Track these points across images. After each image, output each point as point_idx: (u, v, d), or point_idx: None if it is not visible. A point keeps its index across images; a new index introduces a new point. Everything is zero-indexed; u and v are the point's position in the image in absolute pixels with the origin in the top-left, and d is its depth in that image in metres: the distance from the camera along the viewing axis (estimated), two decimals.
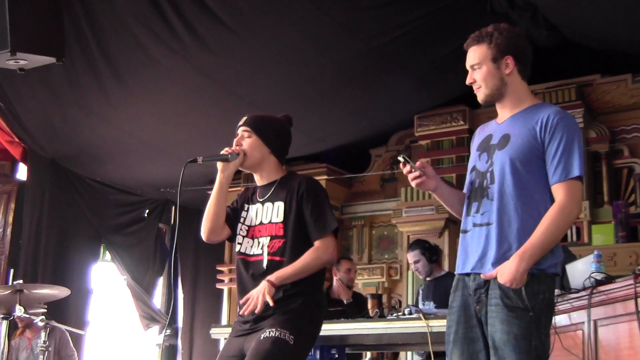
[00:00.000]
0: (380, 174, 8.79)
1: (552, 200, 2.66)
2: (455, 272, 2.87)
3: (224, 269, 8.77)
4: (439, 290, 5.71)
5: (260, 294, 2.99)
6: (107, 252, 8.65)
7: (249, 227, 3.21)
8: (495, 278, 2.64)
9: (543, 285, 2.63)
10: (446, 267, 6.75)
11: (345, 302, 6.43)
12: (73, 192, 8.08)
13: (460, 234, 2.84)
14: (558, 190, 2.64)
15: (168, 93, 6.77)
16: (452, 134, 7.98)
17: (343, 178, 8.84)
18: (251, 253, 3.16)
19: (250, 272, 3.14)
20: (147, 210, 9.04)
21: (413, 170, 2.80)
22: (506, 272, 2.60)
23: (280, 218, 3.12)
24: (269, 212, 3.16)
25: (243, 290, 3.16)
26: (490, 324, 2.64)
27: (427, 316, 4.67)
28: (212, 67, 6.45)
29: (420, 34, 6.40)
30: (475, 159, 2.86)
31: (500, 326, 2.60)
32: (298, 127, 8.18)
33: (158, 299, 9.19)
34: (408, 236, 7.83)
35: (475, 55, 2.81)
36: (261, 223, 3.17)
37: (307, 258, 3.06)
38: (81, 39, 5.85)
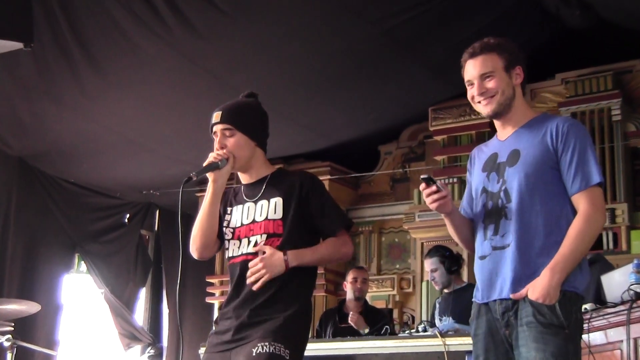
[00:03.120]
0: (390, 174, 8.79)
1: (574, 211, 2.82)
2: (476, 301, 2.97)
3: (215, 280, 8.77)
4: (458, 304, 5.71)
5: (269, 269, 3.03)
6: (82, 262, 8.65)
7: (234, 228, 3.23)
8: (526, 297, 2.75)
9: (575, 305, 2.77)
10: (466, 278, 6.74)
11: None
12: (43, 195, 8.07)
13: (478, 261, 2.96)
14: (580, 200, 2.80)
15: (151, 83, 6.77)
16: (471, 128, 7.97)
17: (349, 178, 8.83)
18: (239, 253, 3.18)
19: (239, 273, 3.15)
20: (127, 215, 9.03)
21: (438, 190, 2.92)
22: (538, 288, 2.72)
23: (279, 214, 3.14)
24: (264, 209, 3.18)
25: (228, 298, 3.17)
26: (521, 344, 2.73)
27: (444, 334, 4.67)
28: (200, 54, 6.45)
29: (435, 15, 6.40)
30: (482, 181, 3.00)
31: (535, 344, 2.69)
32: (298, 121, 8.26)
33: (140, 315, 9.19)
34: (422, 243, 7.83)
35: (486, 63, 2.97)
36: (254, 221, 3.18)
37: (327, 245, 3.15)
38: (52, 21, 5.85)
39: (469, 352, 4.75)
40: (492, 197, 2.93)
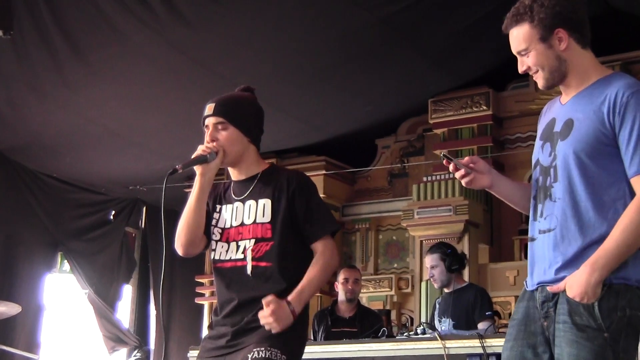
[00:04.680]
0: (388, 169, 8.79)
1: (633, 196, 2.59)
2: (525, 288, 2.80)
3: (204, 280, 8.77)
4: (458, 304, 5.72)
5: (280, 323, 2.99)
6: (65, 261, 8.64)
7: (223, 229, 3.21)
8: (564, 291, 2.59)
9: (623, 299, 2.56)
10: (466, 278, 6.75)
11: (347, 318, 6.45)
12: (24, 191, 8.06)
13: (528, 243, 2.80)
14: (637, 184, 2.56)
15: (137, 73, 6.76)
16: (473, 120, 7.98)
17: (345, 173, 8.83)
18: (227, 258, 3.17)
19: (228, 280, 3.15)
20: (112, 212, 9.04)
21: (458, 168, 2.79)
22: (575, 285, 2.55)
23: (268, 218, 3.13)
24: (252, 212, 3.16)
25: (220, 305, 3.17)
26: (557, 344, 2.59)
27: (444, 336, 4.67)
28: (189, 42, 6.43)
29: (436, 2, 6.39)
30: (538, 150, 2.80)
31: (568, 349, 2.55)
32: (292, 113, 8.24)
33: (126, 316, 9.19)
34: (421, 242, 7.83)
35: (519, 39, 2.74)
36: (242, 224, 3.17)
37: (318, 269, 3.11)
38: (33, 7, 5.83)
39: (469, 355, 4.76)
40: (543, 172, 2.74)
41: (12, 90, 6.83)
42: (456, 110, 8.02)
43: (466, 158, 2.83)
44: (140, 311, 9.31)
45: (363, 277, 7.68)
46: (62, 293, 8.78)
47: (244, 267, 3.12)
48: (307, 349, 5.36)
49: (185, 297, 9.16)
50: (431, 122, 8.19)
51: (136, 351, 8.83)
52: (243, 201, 3.19)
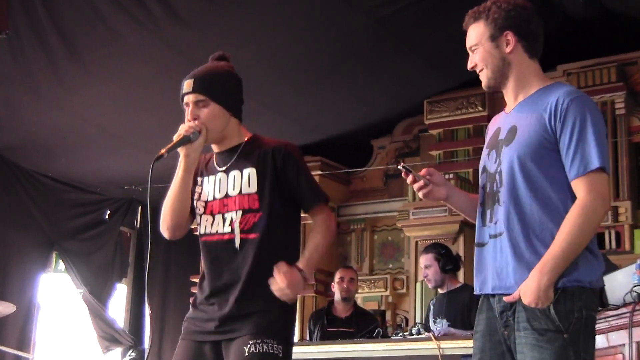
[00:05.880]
0: (383, 169, 8.79)
1: (574, 199, 2.64)
2: (475, 293, 2.86)
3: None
4: (453, 305, 5.73)
5: (294, 291, 2.95)
6: (60, 260, 8.63)
7: (206, 202, 3.13)
8: (519, 300, 2.63)
9: (579, 301, 2.61)
10: (462, 279, 6.76)
11: (343, 319, 6.47)
12: (19, 190, 8.05)
13: (476, 248, 2.84)
14: (578, 187, 2.62)
15: (133, 73, 6.76)
16: (468, 121, 7.99)
17: (340, 174, 8.84)
18: (213, 232, 3.09)
19: (214, 254, 3.07)
20: (108, 212, 9.03)
21: (417, 179, 2.84)
22: (528, 291, 2.59)
23: (254, 188, 3.05)
24: (236, 182, 3.08)
25: (207, 277, 3.09)
26: (519, 351, 2.64)
27: (439, 337, 4.68)
28: (185, 43, 6.43)
29: (432, 3, 6.40)
30: (484, 159, 2.87)
31: (531, 353, 2.59)
32: (287, 114, 8.23)
33: (121, 316, 9.18)
34: (416, 242, 7.84)
35: (472, 35, 2.86)
36: (227, 196, 3.08)
37: (321, 235, 3.08)
38: (28, 7, 5.83)
39: (464, 356, 4.77)
40: (489, 178, 2.80)
41: (8, 90, 6.83)
42: (452, 111, 8.03)
43: (423, 170, 2.89)
44: (135, 311, 9.30)
45: (358, 278, 7.68)
46: (57, 292, 8.78)
47: (232, 240, 3.04)
48: (303, 349, 5.40)
49: (179, 297, 9.15)
50: (427, 122, 8.20)
51: (130, 351, 8.82)
52: (226, 172, 3.12)
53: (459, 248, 7.48)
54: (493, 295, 2.75)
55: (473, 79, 9.06)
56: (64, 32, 6.13)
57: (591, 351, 2.65)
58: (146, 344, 9.09)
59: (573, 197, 2.64)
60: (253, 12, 6.16)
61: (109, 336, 8.71)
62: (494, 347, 2.74)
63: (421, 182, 2.84)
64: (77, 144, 7.77)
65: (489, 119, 7.89)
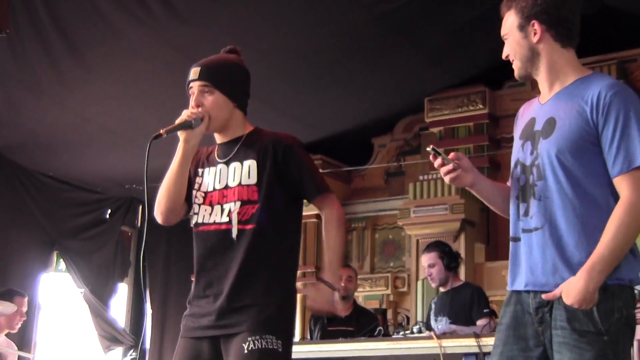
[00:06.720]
0: (384, 167, 8.79)
1: (616, 196, 2.58)
2: (507, 288, 2.79)
3: None
4: (455, 303, 5.72)
5: (327, 304, 3.02)
6: (61, 260, 8.63)
7: (206, 192, 3.13)
8: (560, 298, 2.57)
9: (619, 300, 2.57)
10: (462, 277, 6.76)
11: (343, 317, 6.46)
12: (20, 189, 8.05)
13: (510, 243, 2.78)
14: (621, 184, 2.56)
15: (133, 71, 6.76)
16: (469, 119, 7.99)
17: (341, 172, 8.83)
18: (210, 221, 3.08)
19: (210, 244, 3.06)
20: (109, 211, 9.03)
21: (445, 163, 2.78)
22: (573, 292, 2.53)
23: (254, 179, 3.05)
24: (236, 173, 3.08)
25: (200, 270, 3.08)
26: (556, 350, 2.58)
27: (440, 335, 4.68)
28: (185, 40, 6.43)
29: (432, 0, 6.39)
30: (518, 150, 2.80)
31: (570, 354, 2.54)
32: (287, 111, 8.21)
33: (122, 316, 9.18)
34: (417, 240, 7.84)
35: (504, 24, 2.79)
36: (226, 187, 3.08)
37: (335, 231, 3.10)
38: (29, 5, 5.83)
39: (465, 355, 4.76)
40: (525, 171, 2.72)
41: (8, 88, 6.82)
42: (453, 108, 8.03)
43: (452, 154, 2.82)
44: (136, 311, 9.29)
45: (359, 276, 7.69)
46: (58, 292, 8.78)
47: (229, 231, 3.03)
48: (304, 348, 5.39)
49: (180, 297, 9.13)
50: (427, 120, 8.20)
51: (132, 351, 8.82)
52: (227, 163, 3.12)
53: (459, 246, 7.48)
54: (527, 291, 2.69)
55: (474, 76, 9.10)
56: (64, 30, 6.13)
57: (628, 350, 2.62)
58: (147, 344, 9.10)
59: (614, 194, 2.59)
60: (253, 9, 6.16)
61: (110, 336, 8.71)
62: (516, 341, 2.69)
63: (450, 166, 2.77)
64: (77, 142, 7.77)
65: (489, 116, 7.93)
